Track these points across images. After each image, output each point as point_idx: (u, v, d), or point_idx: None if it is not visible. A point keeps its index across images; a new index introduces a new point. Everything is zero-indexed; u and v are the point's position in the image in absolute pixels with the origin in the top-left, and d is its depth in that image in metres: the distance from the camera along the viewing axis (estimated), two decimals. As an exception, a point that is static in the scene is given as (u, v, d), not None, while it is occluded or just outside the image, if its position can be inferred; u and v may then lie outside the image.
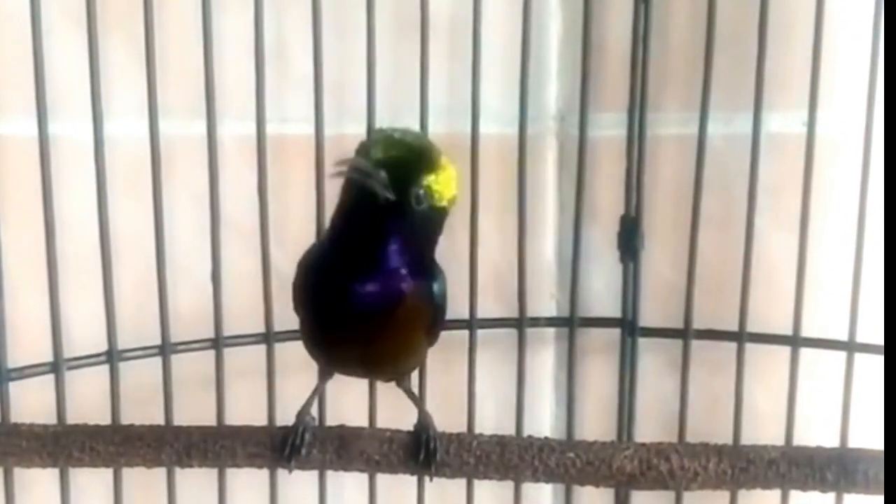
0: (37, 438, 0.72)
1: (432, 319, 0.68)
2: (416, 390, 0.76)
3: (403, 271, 0.64)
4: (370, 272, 0.64)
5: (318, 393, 0.76)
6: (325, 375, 0.75)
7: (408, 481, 0.77)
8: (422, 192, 0.62)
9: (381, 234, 0.64)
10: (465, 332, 0.82)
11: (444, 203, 0.64)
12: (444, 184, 0.63)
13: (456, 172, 0.64)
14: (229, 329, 0.79)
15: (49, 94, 0.73)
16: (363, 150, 0.62)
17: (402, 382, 0.74)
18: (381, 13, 0.77)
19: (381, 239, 0.64)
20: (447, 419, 0.74)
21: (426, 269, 0.66)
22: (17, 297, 0.76)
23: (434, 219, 0.65)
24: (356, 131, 0.78)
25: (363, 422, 0.79)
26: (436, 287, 0.67)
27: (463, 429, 0.80)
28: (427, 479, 0.75)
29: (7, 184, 0.74)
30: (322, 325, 0.68)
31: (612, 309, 0.86)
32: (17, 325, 0.75)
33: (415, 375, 0.77)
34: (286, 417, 0.74)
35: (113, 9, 0.76)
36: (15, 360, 0.75)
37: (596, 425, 0.87)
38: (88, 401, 0.77)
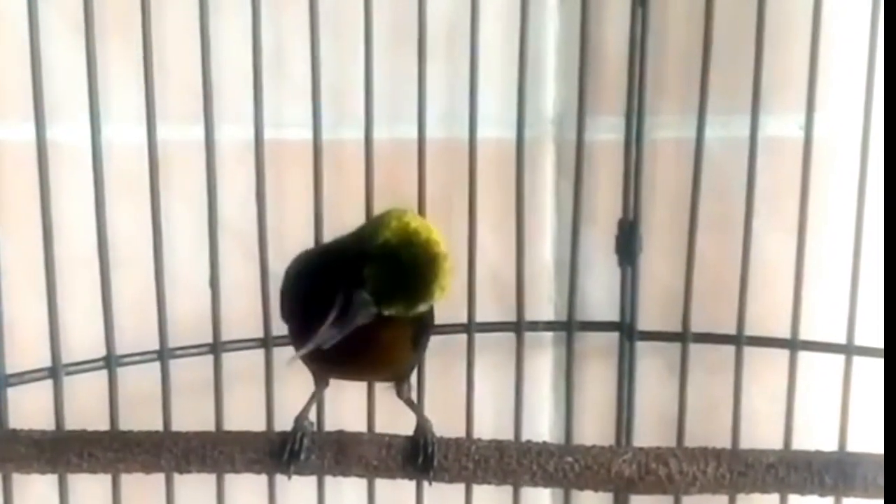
0: (35, 444, 0.72)
1: (416, 333, 0.67)
2: (415, 396, 0.76)
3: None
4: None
5: (317, 399, 0.76)
6: (322, 382, 0.75)
7: (406, 486, 0.77)
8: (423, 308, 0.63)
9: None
10: (464, 336, 0.82)
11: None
12: (445, 288, 0.63)
13: (449, 265, 0.63)
14: (227, 334, 0.79)
15: (47, 99, 0.73)
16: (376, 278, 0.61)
17: (401, 392, 0.74)
18: (378, 18, 0.77)
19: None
20: (445, 424, 0.74)
21: None
22: (15, 303, 0.76)
23: None
24: (354, 136, 0.78)
25: (362, 427, 0.79)
26: None
27: (461, 433, 0.80)
28: (426, 483, 0.75)
29: (5, 189, 0.74)
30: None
31: (610, 313, 0.86)
32: (16, 330, 0.75)
33: (414, 381, 0.77)
34: (285, 423, 0.74)
35: (111, 14, 0.76)
36: (13, 365, 0.75)
37: (594, 429, 0.87)
38: (87, 406, 0.77)
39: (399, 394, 0.74)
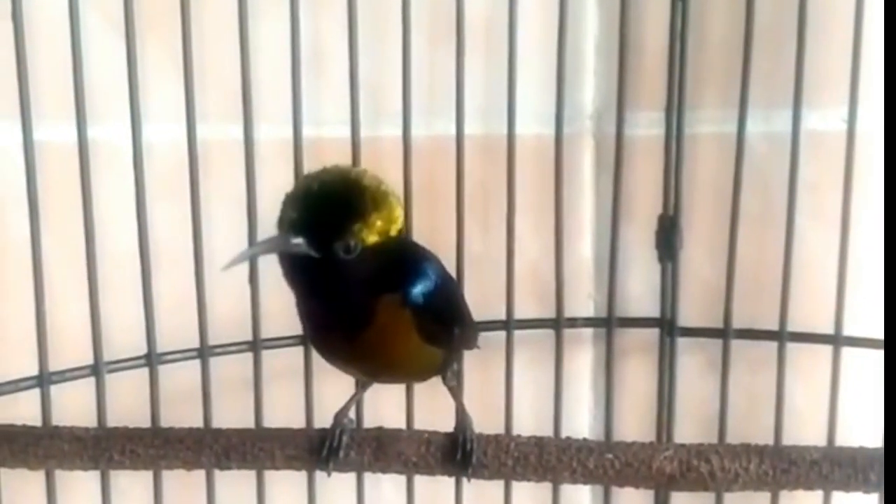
0: (78, 441, 0.73)
1: (421, 321, 0.65)
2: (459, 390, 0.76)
3: (367, 292, 0.63)
4: (336, 305, 0.64)
5: (357, 399, 0.76)
6: (364, 383, 0.75)
7: (446, 483, 0.77)
8: (351, 243, 0.61)
9: (328, 280, 0.62)
10: (503, 333, 0.82)
11: (388, 236, 0.62)
12: (384, 222, 0.61)
13: (394, 202, 0.62)
14: (267, 331, 0.80)
15: (88, 100, 0.73)
16: (285, 209, 0.61)
17: (446, 378, 0.74)
18: (416, 15, 0.77)
19: (332, 282, 0.63)
20: (485, 420, 0.74)
21: (402, 274, 0.65)
22: (57, 301, 0.76)
23: (382, 249, 0.62)
24: (392, 133, 0.78)
25: (401, 424, 0.79)
26: (415, 289, 0.65)
27: (501, 430, 0.80)
28: (465, 480, 0.75)
29: (47, 189, 0.74)
30: (315, 347, 0.69)
31: (650, 309, 0.85)
32: (58, 328, 0.76)
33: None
34: (324, 420, 0.74)
35: (151, 14, 0.76)
36: (56, 363, 0.76)
37: (635, 426, 0.87)
38: (128, 403, 0.78)
39: (444, 379, 0.73)
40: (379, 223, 0.61)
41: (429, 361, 0.69)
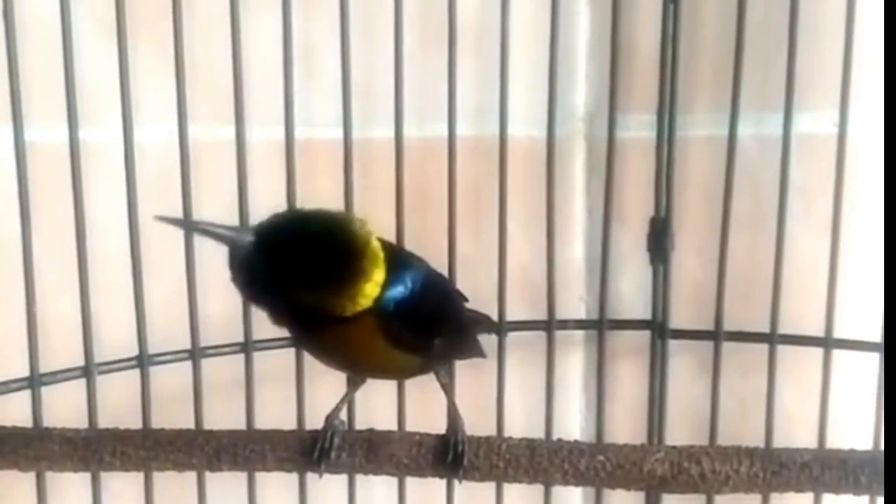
0: (68, 443, 0.72)
1: (389, 327, 0.64)
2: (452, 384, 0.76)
3: None
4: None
5: (349, 399, 0.76)
6: (355, 383, 0.75)
7: (437, 485, 0.77)
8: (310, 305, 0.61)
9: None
10: (494, 335, 0.82)
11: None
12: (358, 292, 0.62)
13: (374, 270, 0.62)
14: (259, 333, 0.79)
15: (79, 101, 0.73)
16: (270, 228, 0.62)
17: (439, 376, 0.73)
18: (408, 17, 0.77)
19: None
20: (476, 422, 0.74)
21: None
22: (48, 303, 0.76)
23: None
24: (384, 135, 0.78)
25: (392, 425, 0.79)
26: (385, 293, 0.63)
27: (492, 432, 0.80)
28: (456, 482, 0.75)
29: (39, 190, 0.74)
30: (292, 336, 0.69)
31: (641, 311, 0.85)
32: (49, 330, 0.76)
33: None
34: (316, 421, 0.74)
35: (142, 15, 0.76)
36: (46, 364, 0.76)
37: (626, 428, 0.87)
38: (119, 405, 0.78)
39: (437, 376, 0.73)
40: (352, 295, 0.62)
41: (402, 366, 0.69)
